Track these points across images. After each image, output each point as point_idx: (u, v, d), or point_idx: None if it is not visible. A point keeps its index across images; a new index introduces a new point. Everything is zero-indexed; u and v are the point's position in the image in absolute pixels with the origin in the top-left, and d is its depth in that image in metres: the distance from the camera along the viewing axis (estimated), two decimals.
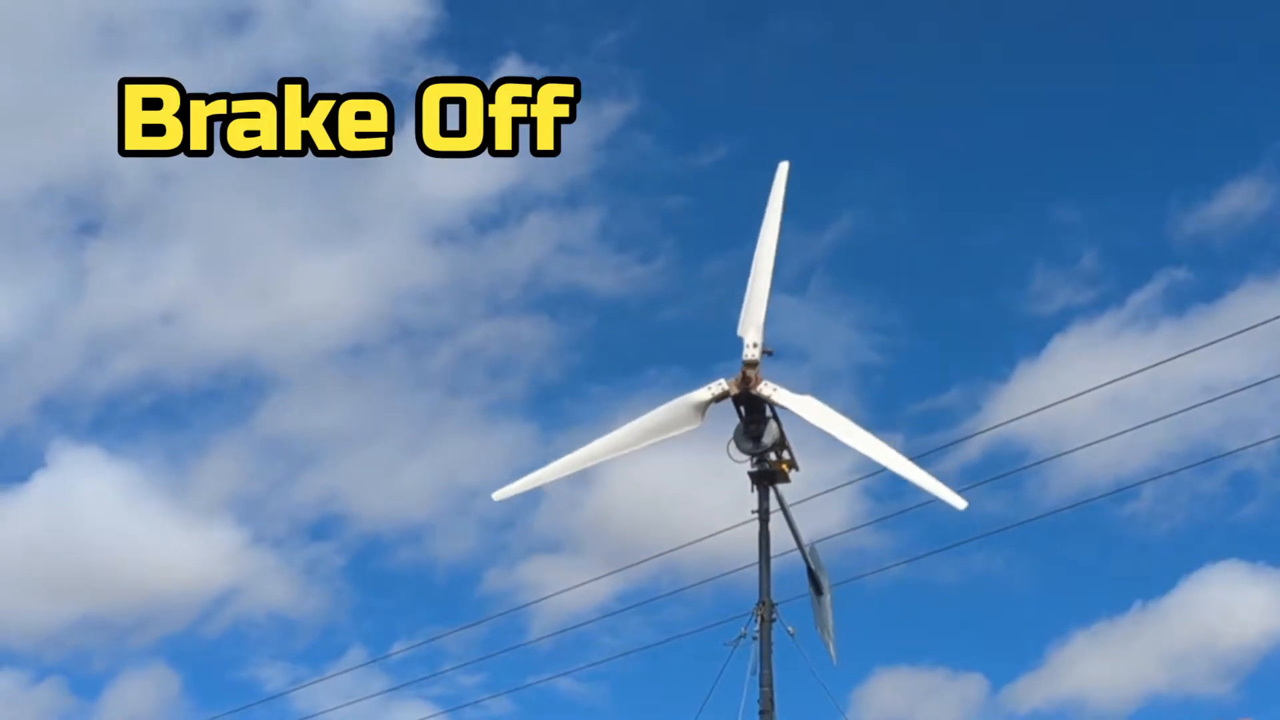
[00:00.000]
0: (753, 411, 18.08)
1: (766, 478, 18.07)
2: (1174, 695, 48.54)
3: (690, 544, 19.41)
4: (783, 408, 17.97)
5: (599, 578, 20.92)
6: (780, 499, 18.22)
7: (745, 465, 18.00)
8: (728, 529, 18.42)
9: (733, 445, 18.03)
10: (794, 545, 18.58)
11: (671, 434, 18.34)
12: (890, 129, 56.93)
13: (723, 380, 18.20)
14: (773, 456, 18.04)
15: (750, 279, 18.76)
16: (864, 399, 50.47)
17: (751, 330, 18.33)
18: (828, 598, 18.87)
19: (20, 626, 47.82)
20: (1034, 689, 44.47)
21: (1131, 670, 45.08)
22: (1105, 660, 45.36)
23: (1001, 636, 48.56)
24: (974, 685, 44.62)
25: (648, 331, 53.12)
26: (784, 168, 19.23)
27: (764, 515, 17.97)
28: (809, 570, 18.70)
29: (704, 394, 18.16)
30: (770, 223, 19.03)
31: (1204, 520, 49.75)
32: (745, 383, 18.00)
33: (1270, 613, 45.24)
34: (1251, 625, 44.50)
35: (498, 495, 18.91)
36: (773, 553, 17.96)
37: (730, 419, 18.12)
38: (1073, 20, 59.22)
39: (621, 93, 55.98)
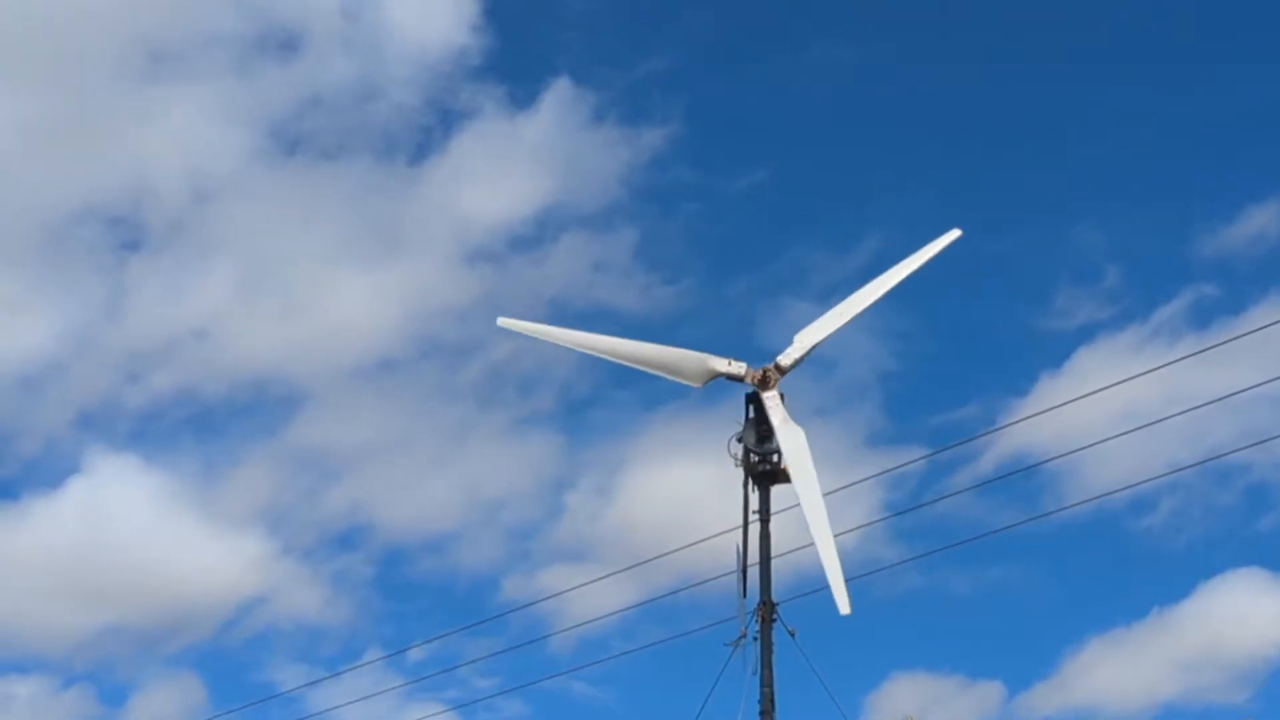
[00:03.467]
0: (763, 411, 18.19)
1: (769, 478, 18.12)
2: (1188, 703, 48.47)
3: (687, 546, 19.28)
4: (802, 358, 18.45)
5: (599, 579, 20.80)
6: (765, 500, 18.29)
7: (741, 465, 18.06)
8: (720, 533, 18.40)
9: (733, 441, 18.14)
10: (796, 547, 18.55)
11: (671, 376, 18.72)
12: (919, 149, 58.41)
13: (744, 364, 18.37)
14: (775, 458, 18.09)
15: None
16: (888, 410, 50.74)
17: (804, 342, 18.57)
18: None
19: (50, 632, 48.17)
20: (1049, 696, 44.67)
21: (1145, 678, 45.05)
22: (1119, 668, 45.32)
23: (1018, 644, 48.83)
24: (991, 692, 44.89)
25: (673, 344, 53.78)
26: (953, 234, 20.27)
27: (765, 516, 18.05)
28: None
29: (719, 363, 18.42)
30: (904, 266, 19.54)
31: (1220, 530, 50.04)
32: (764, 380, 18.23)
33: None
34: (1269, 633, 44.34)
35: (502, 321, 19.65)
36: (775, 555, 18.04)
37: (731, 422, 18.25)
38: (1097, 45, 59.79)
39: (664, 117, 57.44)
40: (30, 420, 53.39)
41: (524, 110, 56.79)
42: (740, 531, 18.08)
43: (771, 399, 18.08)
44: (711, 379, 18.55)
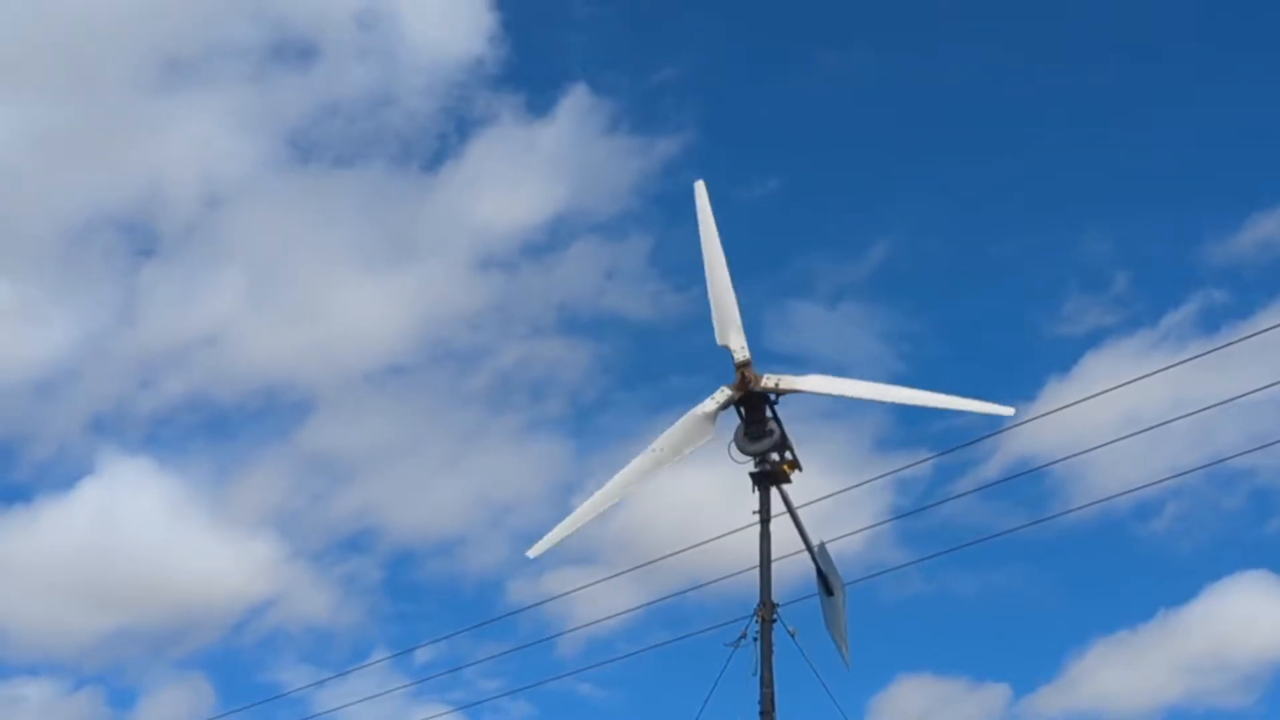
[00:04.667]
0: (752, 412, 18.27)
1: (768, 478, 18.15)
2: (1193, 706, 49.15)
3: (688, 549, 19.43)
4: (793, 391, 18.24)
5: (604, 579, 20.96)
6: (786, 499, 18.30)
7: (747, 466, 18.18)
8: (726, 534, 18.51)
9: (733, 447, 18.19)
10: (800, 547, 18.69)
11: (689, 449, 18.62)
12: (928, 156, 59.46)
13: (725, 388, 18.45)
14: (774, 457, 18.12)
15: (711, 292, 19.00)
16: (897, 414, 51.54)
17: (733, 335, 18.55)
18: (840, 598, 18.91)
19: (60, 635, 49.89)
20: (1054, 698, 45.44)
21: (1150, 680, 45.70)
22: (1124, 670, 45.97)
23: (1023, 647, 49.91)
24: (997, 694, 45.64)
25: (676, 354, 54.86)
26: (700, 187, 19.50)
27: (765, 516, 18.03)
28: (818, 570, 18.74)
29: (710, 405, 18.48)
30: (709, 237, 19.26)
31: (1226, 533, 50.86)
32: (745, 383, 18.24)
33: None
34: (1275, 636, 44.71)
35: (532, 553, 19.17)
36: (777, 555, 18.16)
37: (733, 427, 18.44)
38: (1103, 54, 60.96)
39: (678, 125, 58.74)
40: (44, 424, 55.44)
41: (541, 118, 57.67)
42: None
43: (769, 380, 18.23)
44: (717, 418, 18.59)
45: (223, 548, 49.53)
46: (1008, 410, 17.75)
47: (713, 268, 18.96)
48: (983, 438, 19.66)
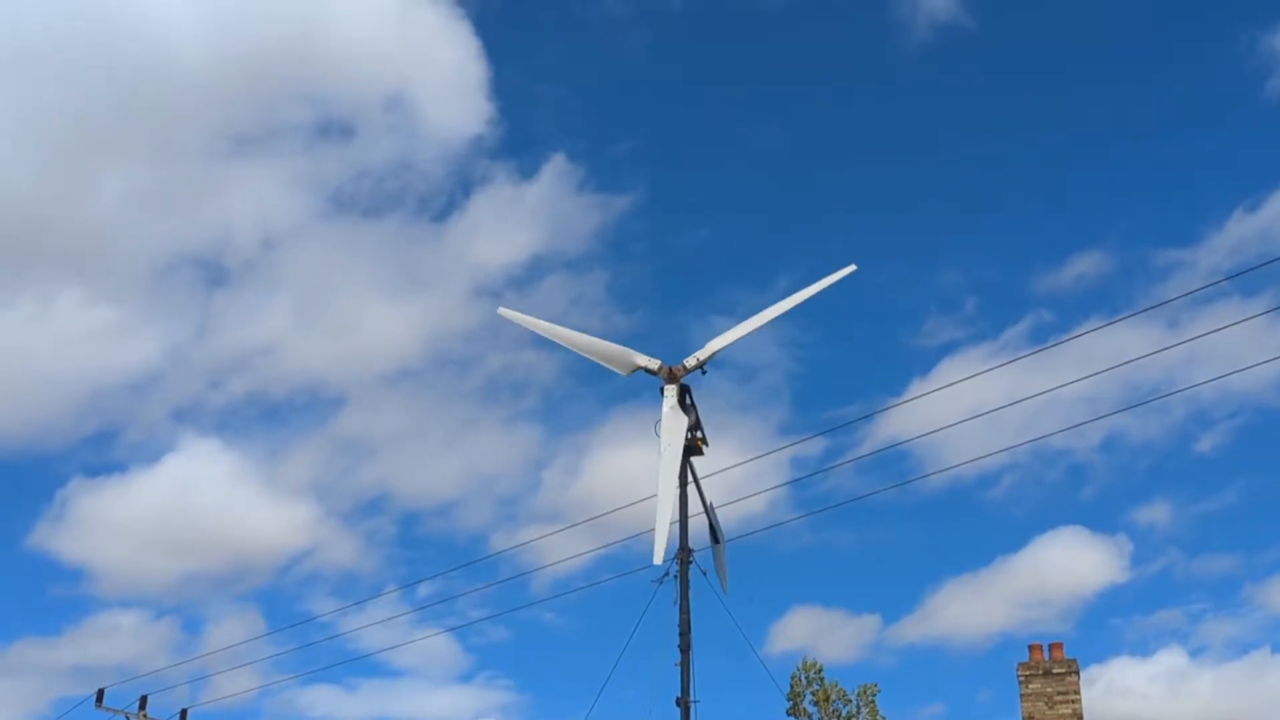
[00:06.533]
0: (678, 396, 21.66)
1: (686, 451, 21.47)
2: (1021, 632, 57.73)
3: (625, 506, 23.07)
4: (710, 356, 21.85)
5: (562, 529, 24.73)
6: (692, 468, 21.83)
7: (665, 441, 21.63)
8: (651, 496, 21.99)
9: (659, 425, 21.53)
10: (712, 506, 22.64)
11: (606, 364, 22.28)
12: (823, 211, 75.38)
13: (660, 360, 21.98)
14: (691, 434, 21.52)
15: (589, 353, 22.55)
16: (793, 408, 58.86)
17: (637, 359, 21.99)
18: (722, 544, 22.34)
19: (146, 576, 60.65)
20: (915, 626, 56.59)
21: (989, 612, 53.91)
22: (969, 604, 53.99)
23: (891, 586, 58.47)
24: (870, 623, 55.85)
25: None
26: (506, 312, 23.48)
27: (683, 480, 21.43)
28: (710, 523, 22.32)
29: (640, 358, 22.03)
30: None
31: (1048, 498, 59.49)
32: (674, 378, 21.80)
33: (1101, 569, 52.87)
34: (1087, 578, 51.94)
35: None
36: (693, 513, 21.60)
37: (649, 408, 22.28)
38: (953, 137, 75.47)
39: (631, 186, 67.42)
40: (137, 415, 63.05)
41: (528, 179, 65.46)
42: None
43: (670, 390, 21.57)
44: (634, 370, 21.96)
45: (272, 509, 57.62)
46: (850, 268, 21.87)
47: (572, 343, 22.76)
48: (856, 420, 23.96)
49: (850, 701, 39.88)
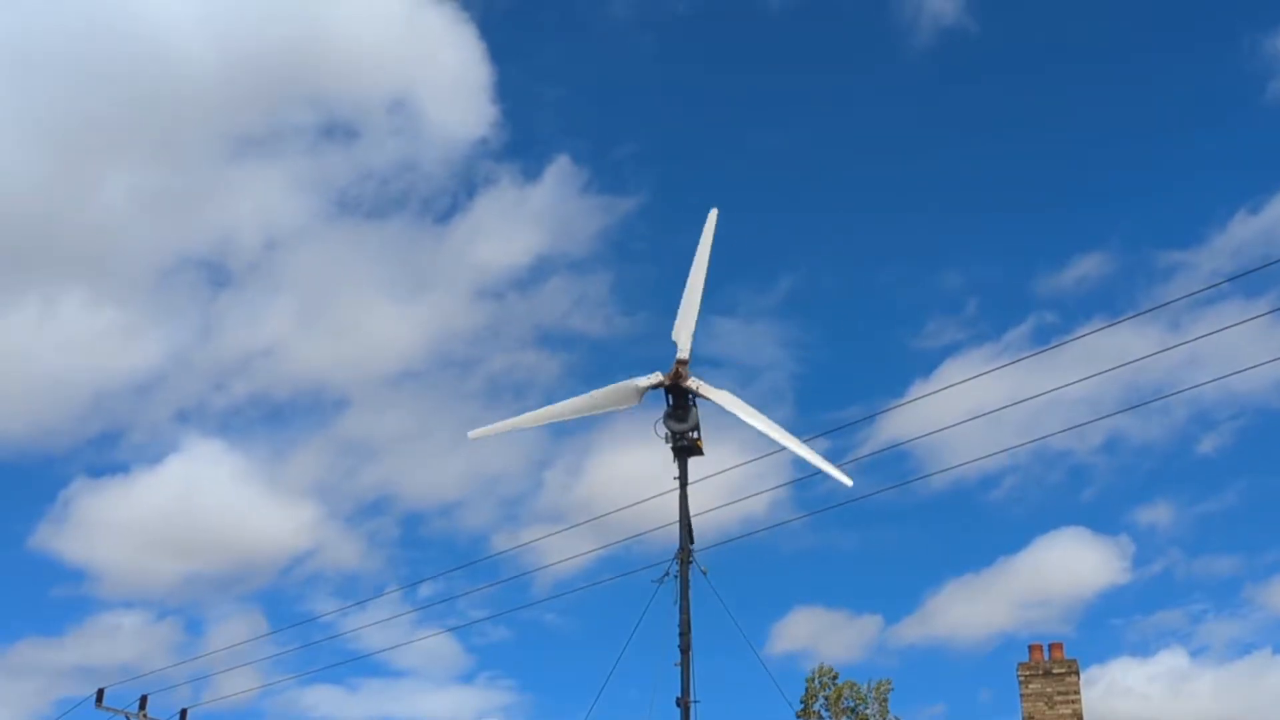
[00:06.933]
0: (679, 399, 21.78)
1: (684, 451, 21.67)
2: (1022, 632, 57.88)
3: (626, 507, 23.19)
4: (705, 398, 21.80)
5: (562, 530, 24.78)
6: (681, 469, 21.71)
7: (667, 442, 21.69)
8: (654, 496, 22.05)
9: (659, 424, 21.78)
10: (711, 507, 22.64)
11: (615, 408, 22.18)
12: (823, 214, 75.79)
13: (658, 372, 21.94)
14: (692, 435, 21.61)
15: (685, 296, 22.40)
16: (795, 406, 58.92)
17: (684, 336, 22.07)
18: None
19: (149, 576, 60.63)
20: (916, 626, 56.94)
21: (990, 612, 54.13)
22: (970, 604, 54.16)
23: (892, 586, 59.20)
24: (871, 623, 56.19)
25: (624, 360, 62.74)
26: (713, 215, 23.16)
27: (683, 481, 21.50)
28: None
29: (643, 381, 21.97)
30: (702, 253, 22.84)
31: (1050, 499, 59.65)
32: (677, 376, 21.83)
33: (1102, 569, 53.25)
34: (1087, 578, 52.21)
35: (472, 435, 22.62)
36: (693, 512, 21.55)
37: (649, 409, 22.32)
38: (958, 138, 75.61)
39: (636, 188, 67.64)
40: (141, 415, 63.52)
41: (532, 182, 65.85)
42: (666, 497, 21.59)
43: (694, 383, 21.61)
44: (643, 394, 21.91)
45: (275, 510, 57.78)
46: (848, 481, 21.11)
47: (695, 277, 22.34)
48: (858, 421, 23.97)
49: (863, 699, 39.96)
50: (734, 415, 22.23)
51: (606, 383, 22.49)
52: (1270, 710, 45.38)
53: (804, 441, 21.94)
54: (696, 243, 23.12)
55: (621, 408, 22.32)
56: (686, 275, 22.72)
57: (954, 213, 74.71)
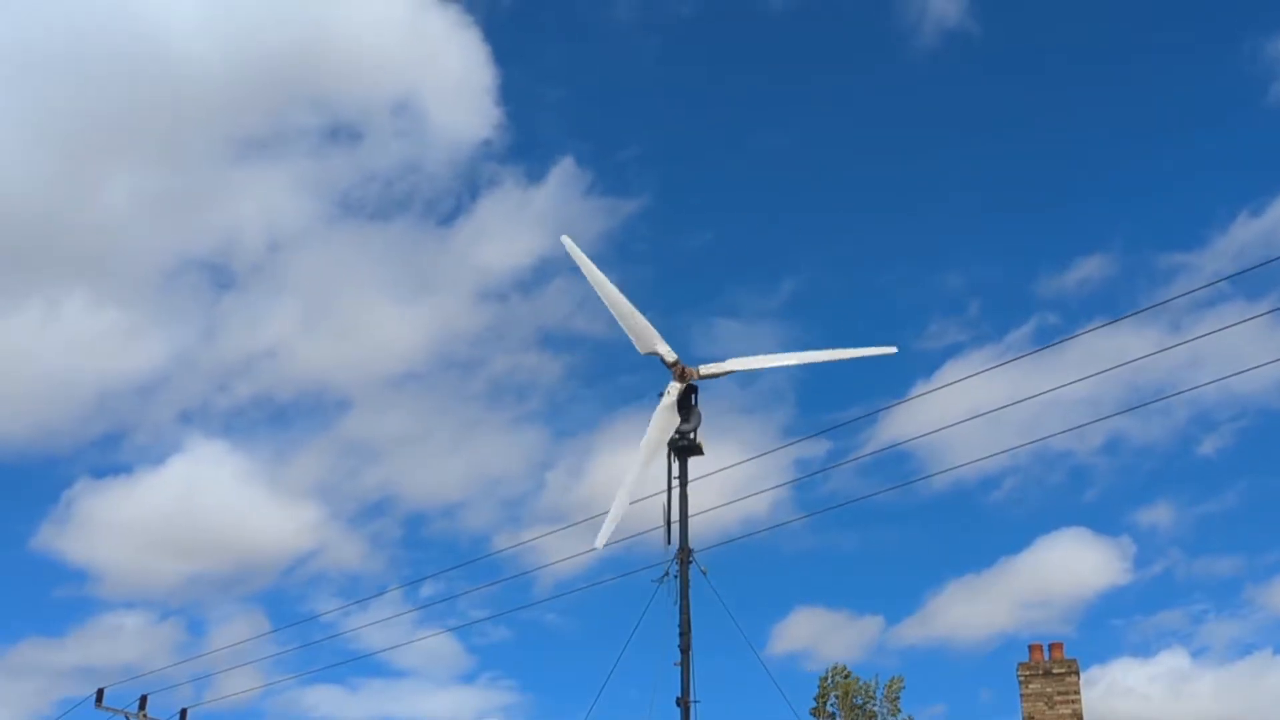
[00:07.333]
0: (683, 399, 21.74)
1: (686, 451, 21.68)
2: (1023, 633, 58.14)
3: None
4: (721, 374, 21.84)
5: (559, 529, 24.79)
6: (669, 468, 21.69)
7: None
8: (651, 495, 21.92)
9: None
10: (711, 507, 22.60)
11: (628, 331, 21.89)
12: (826, 216, 75.17)
13: (673, 383, 21.83)
14: (691, 436, 21.59)
15: (621, 320, 22.00)
16: (796, 408, 59.40)
17: (658, 344, 21.93)
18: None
19: (150, 577, 60.55)
20: (917, 627, 56.80)
21: (991, 613, 54.26)
22: (972, 605, 54.41)
23: (893, 587, 59.51)
24: (872, 624, 56.13)
25: (624, 362, 63.19)
26: (568, 241, 22.83)
27: (683, 481, 21.52)
28: (668, 524, 21.74)
29: (668, 399, 21.73)
30: (596, 280, 22.44)
31: (1051, 499, 60.53)
32: (685, 377, 21.85)
33: (1103, 570, 53.52)
34: (1089, 579, 52.42)
35: (599, 543, 21.53)
36: (692, 512, 21.59)
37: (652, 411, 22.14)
38: (955, 138, 74.87)
39: (638, 190, 68.23)
40: (144, 416, 64.04)
41: (535, 184, 66.18)
42: (665, 495, 21.53)
43: (674, 387, 21.54)
44: (650, 353, 21.84)
45: (278, 511, 58.30)
46: (890, 349, 21.34)
47: (612, 302, 22.04)
48: (859, 419, 23.98)
49: (873, 697, 39.97)
50: (757, 370, 22.53)
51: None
52: (1271, 711, 45.38)
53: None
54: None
55: (632, 338, 22.05)
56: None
57: (956, 214, 74.77)
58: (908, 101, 77.11)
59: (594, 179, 73.46)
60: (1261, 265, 18.84)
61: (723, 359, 22.49)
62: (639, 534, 22.94)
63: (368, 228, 69.95)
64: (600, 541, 21.39)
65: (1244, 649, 61.57)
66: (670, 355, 22.06)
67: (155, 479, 61.16)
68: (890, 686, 40.09)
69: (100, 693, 29.59)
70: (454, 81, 68.62)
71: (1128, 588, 59.63)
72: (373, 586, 65.74)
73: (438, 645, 60.45)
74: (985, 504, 64.62)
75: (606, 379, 69.31)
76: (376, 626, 28.24)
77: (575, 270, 22.84)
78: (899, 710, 39.87)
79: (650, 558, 22.11)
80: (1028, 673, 24.13)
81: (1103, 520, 67.54)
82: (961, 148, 77.02)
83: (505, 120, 70.33)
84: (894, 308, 71.69)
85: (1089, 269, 68.50)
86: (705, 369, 22.10)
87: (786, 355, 22.54)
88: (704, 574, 21.43)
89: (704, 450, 21.94)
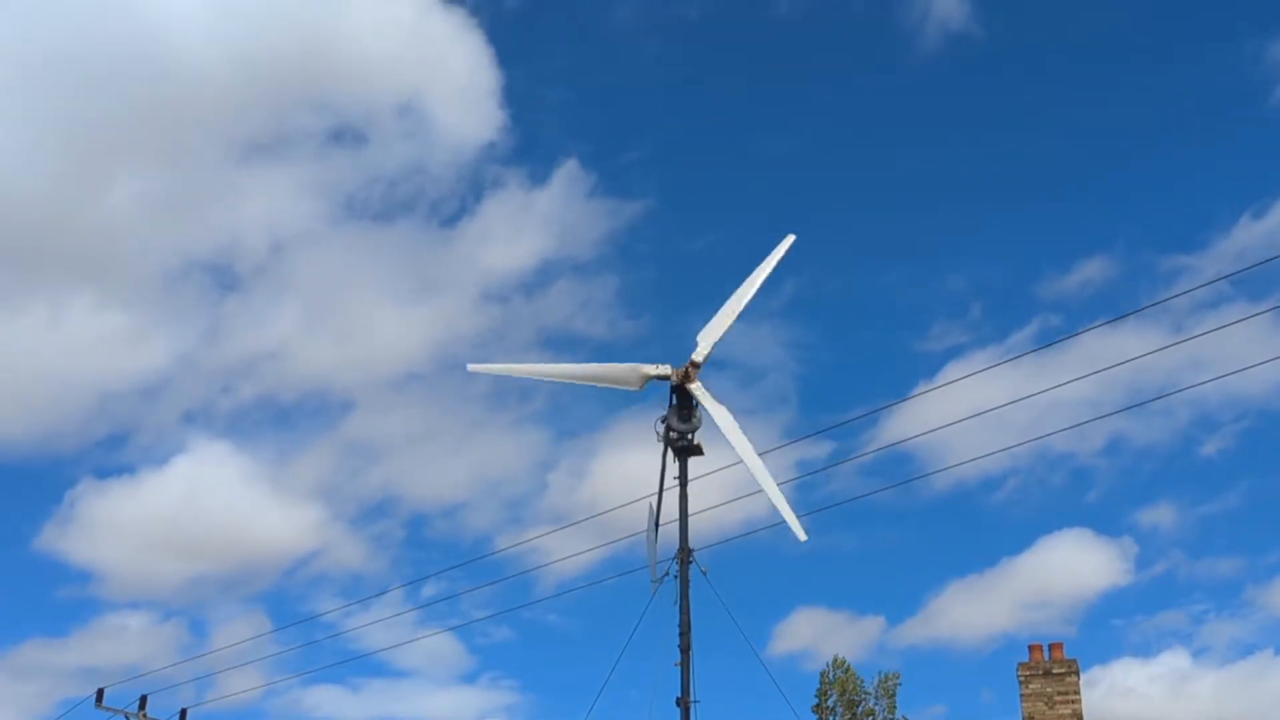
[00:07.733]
0: (684, 399, 21.58)
1: (687, 452, 21.46)
2: (1025, 634, 58.17)
3: (621, 506, 23.23)
4: (703, 406, 21.44)
5: (558, 528, 24.82)
6: (663, 470, 21.59)
7: (663, 440, 21.41)
8: (650, 494, 21.93)
9: (659, 424, 21.54)
10: (710, 506, 22.58)
11: (616, 386, 21.91)
12: (827, 217, 75.51)
13: (668, 365, 21.67)
14: (690, 437, 21.33)
15: (729, 303, 22.14)
16: (798, 410, 59.49)
17: (707, 340, 21.82)
18: (653, 537, 21.89)
19: (154, 578, 61.35)
20: (918, 628, 57.55)
21: (993, 613, 54.20)
22: (973, 606, 54.37)
23: (895, 587, 59.48)
24: (874, 624, 56.86)
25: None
26: (789, 240, 23.02)
27: (683, 481, 21.33)
28: (655, 522, 21.98)
29: (649, 368, 21.67)
30: (764, 269, 22.77)
31: (1052, 500, 59.72)
32: (685, 376, 21.61)
33: (1104, 571, 53.63)
34: (1090, 580, 52.45)
35: (471, 367, 22.17)
36: (692, 512, 21.44)
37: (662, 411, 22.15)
38: (961, 138, 76.07)
39: (641, 192, 68.50)
40: (147, 417, 64.01)
41: (539, 186, 66.34)
42: (656, 494, 21.52)
43: (697, 388, 21.37)
44: (647, 382, 21.63)
45: (280, 511, 58.26)
46: (802, 535, 20.46)
47: (748, 288, 22.27)
48: (860, 418, 23.99)
49: (868, 695, 39.86)
50: (748, 397, 22.49)
51: (614, 389, 22.30)
52: (1271, 711, 45.38)
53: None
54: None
55: (622, 388, 22.04)
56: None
57: (958, 216, 74.92)
58: (910, 103, 77.33)
59: (597, 181, 73.71)
60: (1262, 264, 18.86)
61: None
62: (639, 534, 22.96)
63: (371, 229, 70.25)
64: (472, 367, 21.73)
65: (1245, 649, 61.70)
66: (664, 369, 21.79)
67: (158, 480, 61.43)
68: (885, 682, 39.94)
69: (100, 693, 29.62)
70: (458, 84, 68.86)
71: (1129, 588, 59.74)
72: (375, 587, 66.07)
73: (439, 645, 60.68)
74: (987, 505, 64.75)
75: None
76: (378, 626, 28.28)
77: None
78: (895, 707, 39.79)
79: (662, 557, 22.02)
80: (1028, 673, 24.13)
81: (1104, 521, 67.68)
82: (964, 149, 77.23)
83: (509, 122, 70.59)
84: (896, 309, 71.83)
85: (1091, 271, 68.68)
86: (702, 392, 21.61)
87: (758, 464, 21.33)
88: (704, 574, 21.44)
89: (703, 451, 21.98)
